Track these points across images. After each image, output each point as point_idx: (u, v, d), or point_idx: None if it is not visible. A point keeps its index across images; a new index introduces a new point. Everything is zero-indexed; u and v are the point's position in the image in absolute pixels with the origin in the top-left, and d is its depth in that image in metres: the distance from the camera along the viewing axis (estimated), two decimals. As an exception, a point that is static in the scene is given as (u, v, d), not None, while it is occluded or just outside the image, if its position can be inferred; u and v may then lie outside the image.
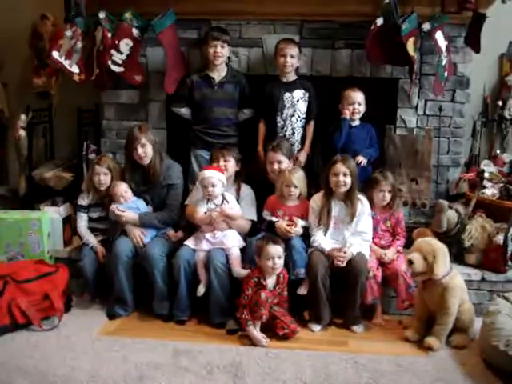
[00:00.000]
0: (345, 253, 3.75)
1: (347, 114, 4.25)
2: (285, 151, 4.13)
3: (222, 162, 4.05)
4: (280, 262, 3.62)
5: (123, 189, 4.04)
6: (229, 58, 4.48)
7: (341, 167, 3.84)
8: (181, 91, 4.46)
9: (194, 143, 4.49)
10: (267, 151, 4.20)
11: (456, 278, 3.60)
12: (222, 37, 4.30)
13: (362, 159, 4.19)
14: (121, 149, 4.51)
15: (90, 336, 3.64)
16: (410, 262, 3.54)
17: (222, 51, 4.31)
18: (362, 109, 4.28)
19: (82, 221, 4.18)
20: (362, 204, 3.91)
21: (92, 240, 4.11)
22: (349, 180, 3.84)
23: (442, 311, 3.54)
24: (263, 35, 4.51)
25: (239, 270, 3.77)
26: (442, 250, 3.56)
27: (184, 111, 4.51)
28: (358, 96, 4.25)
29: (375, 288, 3.83)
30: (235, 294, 3.74)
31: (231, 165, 4.10)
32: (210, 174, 3.89)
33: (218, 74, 4.41)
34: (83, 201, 4.19)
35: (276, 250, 3.61)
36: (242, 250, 3.92)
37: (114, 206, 3.99)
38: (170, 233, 4.13)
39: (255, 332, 3.57)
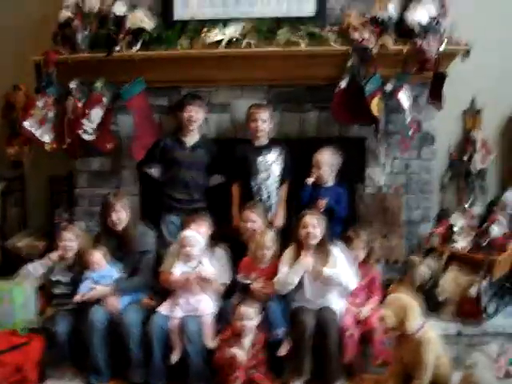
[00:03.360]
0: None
1: (309, 179, 4.29)
2: (260, 211, 4.18)
3: (193, 227, 4.06)
4: (250, 324, 3.62)
5: (98, 257, 4.01)
6: (206, 119, 4.55)
7: (309, 219, 3.87)
8: (153, 153, 4.50)
9: (164, 208, 4.51)
10: (243, 210, 4.23)
11: (430, 332, 3.58)
12: (196, 102, 4.39)
13: (321, 204, 4.18)
14: (93, 216, 4.53)
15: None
16: (382, 319, 3.55)
17: (196, 116, 4.39)
18: (322, 172, 4.30)
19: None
20: (332, 253, 3.90)
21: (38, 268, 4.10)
22: (318, 232, 3.86)
23: (418, 366, 3.51)
24: (231, 100, 4.60)
25: (210, 343, 3.74)
26: (412, 305, 3.56)
27: (153, 172, 4.56)
28: (318, 159, 4.29)
29: (353, 347, 3.80)
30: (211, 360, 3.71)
31: (203, 230, 4.10)
32: (190, 234, 3.91)
33: (191, 138, 4.48)
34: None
35: (247, 312, 3.62)
36: (218, 313, 3.91)
37: (77, 297, 3.92)
38: (145, 300, 4.07)
39: None
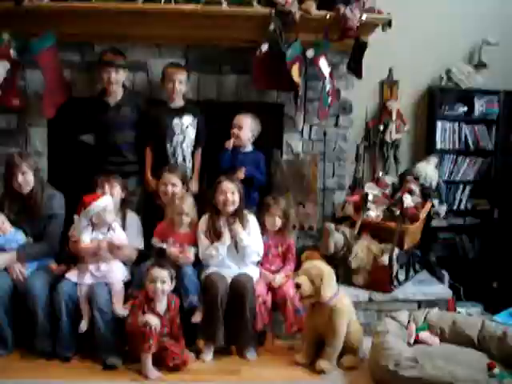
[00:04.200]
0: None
1: (229, 142, 4.23)
2: (179, 174, 4.10)
3: (107, 189, 3.93)
4: (163, 287, 3.53)
5: (1, 220, 3.80)
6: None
7: (228, 185, 3.86)
8: (81, 118, 4.32)
9: (98, 172, 4.21)
10: (162, 173, 4.11)
11: (343, 300, 3.65)
12: (115, 62, 4.17)
13: (240, 172, 4.14)
14: (-2, 176, 4.28)
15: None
16: (298, 286, 3.57)
17: (116, 77, 4.18)
18: (243, 134, 4.24)
19: None
20: (249, 220, 3.92)
21: None
22: (236, 198, 3.86)
23: (331, 333, 3.57)
24: (148, 59, 4.44)
25: (120, 310, 3.64)
26: (328, 273, 3.61)
27: (86, 138, 4.37)
28: (239, 120, 4.24)
29: (265, 314, 3.82)
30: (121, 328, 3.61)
31: (117, 191, 3.98)
32: (103, 204, 3.73)
33: (114, 97, 4.28)
34: None
35: (160, 274, 3.54)
36: (129, 281, 3.82)
37: None
38: (52, 266, 3.91)
39: (150, 365, 3.47)
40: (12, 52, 4.16)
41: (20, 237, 3.86)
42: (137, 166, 4.36)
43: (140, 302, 3.57)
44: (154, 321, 3.48)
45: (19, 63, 4.25)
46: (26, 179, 3.82)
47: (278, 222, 4.06)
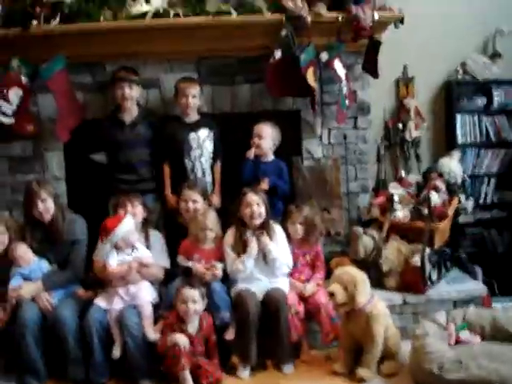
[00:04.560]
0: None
1: (250, 152, 4.17)
2: (200, 190, 4.04)
3: (129, 208, 3.88)
4: (194, 307, 3.47)
5: (22, 250, 3.74)
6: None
7: (252, 197, 3.79)
8: (94, 138, 4.26)
9: (112, 192, 4.21)
10: (182, 190, 4.05)
11: (378, 305, 3.57)
12: (128, 77, 4.14)
13: (263, 183, 4.08)
14: (17, 205, 4.25)
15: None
16: (331, 294, 3.49)
17: (130, 93, 4.14)
18: (264, 143, 4.18)
19: None
20: (275, 231, 3.86)
21: None
22: (263, 210, 3.79)
23: (369, 340, 3.49)
24: (160, 75, 4.39)
25: (151, 334, 3.56)
26: (361, 279, 3.52)
27: (99, 158, 4.31)
28: (259, 129, 4.18)
29: (299, 325, 3.75)
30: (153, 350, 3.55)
31: (139, 210, 3.93)
32: (126, 227, 3.67)
33: (129, 115, 4.24)
34: None
35: (191, 294, 3.47)
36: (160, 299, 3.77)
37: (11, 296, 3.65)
38: (80, 292, 3.86)
39: (188, 378, 3.40)
40: (23, 78, 4.13)
41: (44, 265, 3.81)
42: (153, 184, 4.30)
43: (171, 322, 3.51)
44: (182, 340, 3.41)
45: (30, 89, 4.21)
46: (46, 206, 3.77)
47: (300, 229, 3.99)
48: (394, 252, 4.11)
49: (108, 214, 4.06)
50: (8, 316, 3.67)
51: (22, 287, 3.66)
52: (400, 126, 4.81)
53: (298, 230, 3.98)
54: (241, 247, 3.81)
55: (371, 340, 3.48)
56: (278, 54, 4.11)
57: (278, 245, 3.84)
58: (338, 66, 4.19)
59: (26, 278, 3.72)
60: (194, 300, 3.47)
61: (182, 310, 3.47)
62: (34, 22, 4.01)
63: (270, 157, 4.25)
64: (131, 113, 4.24)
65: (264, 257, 3.79)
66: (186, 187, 4.04)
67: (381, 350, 3.51)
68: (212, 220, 3.85)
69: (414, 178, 4.65)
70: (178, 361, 3.36)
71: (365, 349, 3.52)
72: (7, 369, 3.72)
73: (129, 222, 3.71)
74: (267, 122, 4.21)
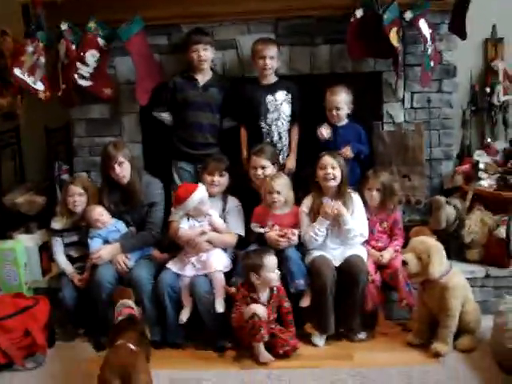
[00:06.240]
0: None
1: (323, 133, 4.06)
2: (269, 156, 3.95)
3: (216, 177, 3.90)
4: (274, 275, 3.45)
5: (98, 212, 3.80)
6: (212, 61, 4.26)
7: (328, 159, 3.72)
8: (162, 94, 4.23)
9: (175, 155, 4.25)
10: (250, 156, 4.01)
11: (456, 277, 3.44)
12: (203, 39, 4.09)
13: (347, 150, 3.97)
14: (95, 167, 4.31)
15: (79, 371, 3.39)
16: (404, 263, 3.40)
17: (205, 54, 4.09)
18: (342, 113, 4.05)
19: (58, 246, 3.92)
20: (353, 200, 3.75)
21: (69, 268, 3.86)
22: (338, 173, 3.71)
23: (444, 313, 3.38)
24: (237, 36, 4.30)
25: (219, 306, 3.54)
26: (436, 249, 3.40)
27: (165, 116, 4.27)
28: (336, 100, 4.03)
29: (375, 293, 3.66)
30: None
31: (225, 179, 3.95)
32: (198, 197, 3.67)
33: (203, 76, 4.19)
34: (57, 224, 3.93)
35: (275, 262, 3.46)
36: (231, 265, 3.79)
37: (92, 259, 3.73)
38: (155, 253, 3.91)
39: (262, 349, 3.40)
40: (100, 40, 4.13)
41: (121, 227, 3.87)
42: (217, 149, 4.25)
43: (242, 295, 3.48)
44: (260, 310, 3.38)
45: (108, 51, 4.21)
46: (123, 169, 3.81)
47: (377, 196, 3.87)
48: (477, 223, 3.95)
49: (171, 177, 4.16)
50: (88, 277, 3.77)
51: (101, 249, 3.73)
52: (487, 89, 4.57)
53: (375, 196, 3.86)
54: (317, 213, 3.72)
55: (446, 313, 3.37)
56: (359, 12, 3.93)
57: (354, 214, 3.73)
58: (422, 25, 3.97)
59: (104, 240, 3.80)
60: (273, 269, 3.45)
61: (272, 278, 3.45)
62: (112, -17, 4.02)
63: (345, 120, 4.12)
64: (205, 74, 4.19)
65: (338, 225, 3.69)
66: (253, 154, 3.97)
67: (456, 324, 3.39)
68: (280, 184, 3.76)
69: (502, 144, 4.45)
70: (256, 331, 3.34)
71: (440, 322, 3.41)
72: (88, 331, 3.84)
73: (200, 193, 3.70)
74: (339, 87, 4.05)
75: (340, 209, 3.66)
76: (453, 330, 3.39)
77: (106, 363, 2.84)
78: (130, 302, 3.36)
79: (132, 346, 2.90)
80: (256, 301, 3.44)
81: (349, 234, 3.69)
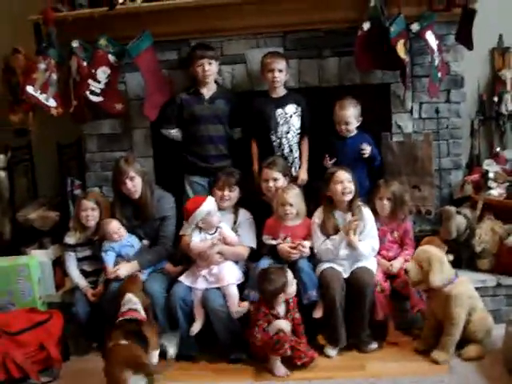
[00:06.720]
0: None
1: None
2: (280, 168, 3.97)
3: (226, 192, 3.93)
4: (291, 290, 3.48)
5: (116, 226, 3.84)
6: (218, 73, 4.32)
7: (343, 174, 3.74)
8: (169, 112, 4.28)
9: (188, 169, 4.28)
10: (262, 169, 4.03)
11: (461, 286, 3.44)
12: (207, 54, 4.13)
13: (366, 147, 4.02)
14: (107, 182, 4.35)
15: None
16: (406, 271, 3.45)
17: (210, 68, 4.14)
18: (351, 127, 4.09)
19: (71, 261, 3.97)
20: (363, 212, 3.77)
21: (82, 282, 3.90)
22: (353, 187, 3.73)
23: (448, 321, 3.39)
24: (246, 50, 4.35)
25: (237, 310, 3.58)
26: (436, 257, 3.43)
27: (174, 132, 4.32)
28: (346, 115, 4.06)
29: (384, 302, 3.66)
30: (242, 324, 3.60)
31: (235, 194, 3.97)
32: (206, 209, 3.70)
33: (208, 90, 4.24)
34: (70, 239, 3.98)
35: (292, 274, 3.50)
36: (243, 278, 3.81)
37: (110, 274, 3.75)
38: (168, 267, 3.94)
39: (279, 362, 3.41)
40: (110, 57, 4.18)
41: (135, 241, 3.90)
42: (229, 161, 4.28)
43: (264, 313, 3.45)
44: (284, 325, 3.41)
45: (118, 67, 4.26)
46: (135, 184, 3.85)
47: (388, 205, 3.88)
48: (487, 232, 3.94)
49: (184, 191, 4.19)
50: (101, 291, 3.80)
51: (120, 267, 3.75)
52: (495, 99, 4.57)
53: (386, 205, 3.88)
54: (330, 227, 3.75)
55: (450, 322, 3.38)
56: (366, 25, 3.96)
57: (366, 226, 3.75)
58: (429, 36, 4.00)
59: (117, 254, 3.82)
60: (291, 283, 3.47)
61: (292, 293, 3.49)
62: (120, 1, 4.09)
63: (354, 132, 4.15)
64: (210, 88, 4.24)
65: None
66: (264, 167, 3.99)
67: (459, 333, 3.40)
68: (293, 196, 3.79)
69: (511, 153, 4.45)
70: (281, 347, 3.34)
71: (444, 330, 3.42)
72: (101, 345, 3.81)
73: (209, 205, 3.72)
74: (347, 100, 4.08)
75: (352, 237, 3.68)
76: (456, 339, 3.40)
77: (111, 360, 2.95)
78: (137, 302, 3.39)
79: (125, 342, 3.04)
80: (276, 316, 3.45)
81: (360, 252, 3.72)
